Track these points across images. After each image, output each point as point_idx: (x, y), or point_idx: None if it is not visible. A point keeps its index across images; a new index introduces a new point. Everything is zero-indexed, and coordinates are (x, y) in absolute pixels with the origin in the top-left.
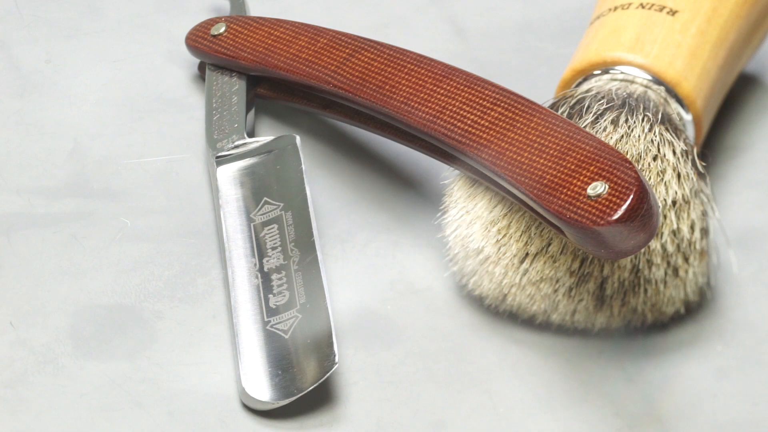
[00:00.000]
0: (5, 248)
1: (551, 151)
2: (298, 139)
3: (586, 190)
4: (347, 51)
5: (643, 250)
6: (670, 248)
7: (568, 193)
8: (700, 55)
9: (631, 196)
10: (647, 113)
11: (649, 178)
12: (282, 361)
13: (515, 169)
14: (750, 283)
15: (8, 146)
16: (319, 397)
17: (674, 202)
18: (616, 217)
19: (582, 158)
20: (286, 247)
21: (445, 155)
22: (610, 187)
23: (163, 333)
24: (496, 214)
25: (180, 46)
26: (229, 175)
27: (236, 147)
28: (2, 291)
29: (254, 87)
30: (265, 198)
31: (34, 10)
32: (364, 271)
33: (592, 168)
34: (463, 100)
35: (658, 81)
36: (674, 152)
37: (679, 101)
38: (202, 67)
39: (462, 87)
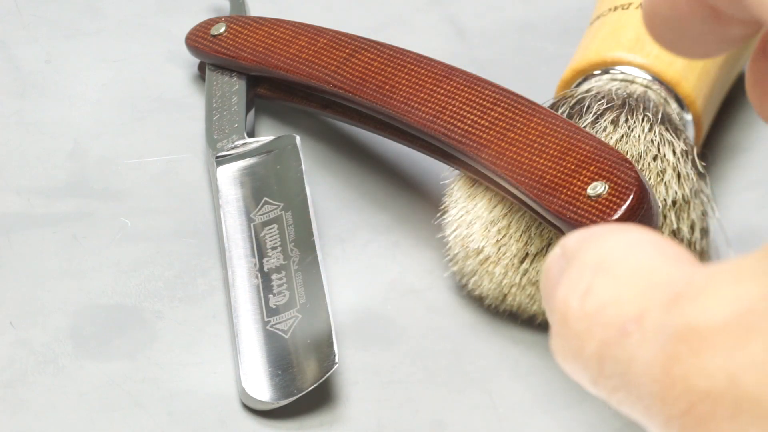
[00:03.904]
0: (5, 248)
1: (551, 151)
2: (298, 139)
3: (586, 190)
4: (347, 51)
5: None
6: None
7: (568, 193)
8: None
9: (631, 196)
10: (647, 113)
11: (649, 178)
12: (282, 361)
13: (515, 169)
14: None
15: (8, 146)
16: (319, 397)
17: (674, 202)
18: (616, 217)
19: (582, 158)
20: (286, 247)
21: (445, 155)
22: (610, 187)
23: (163, 333)
24: (496, 214)
25: (180, 46)
26: (229, 175)
27: (236, 147)
28: (2, 291)
29: (254, 87)
30: (265, 198)
31: (34, 10)
32: (364, 271)
33: (592, 168)
34: (463, 100)
35: (658, 81)
36: (674, 152)
37: (679, 101)
38: (202, 67)
39: (462, 87)
